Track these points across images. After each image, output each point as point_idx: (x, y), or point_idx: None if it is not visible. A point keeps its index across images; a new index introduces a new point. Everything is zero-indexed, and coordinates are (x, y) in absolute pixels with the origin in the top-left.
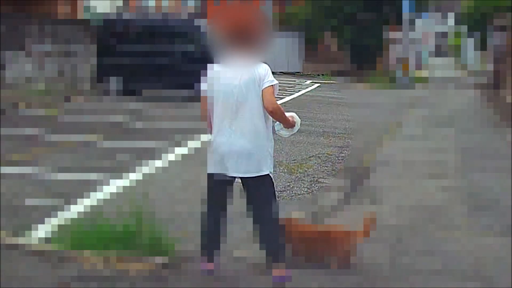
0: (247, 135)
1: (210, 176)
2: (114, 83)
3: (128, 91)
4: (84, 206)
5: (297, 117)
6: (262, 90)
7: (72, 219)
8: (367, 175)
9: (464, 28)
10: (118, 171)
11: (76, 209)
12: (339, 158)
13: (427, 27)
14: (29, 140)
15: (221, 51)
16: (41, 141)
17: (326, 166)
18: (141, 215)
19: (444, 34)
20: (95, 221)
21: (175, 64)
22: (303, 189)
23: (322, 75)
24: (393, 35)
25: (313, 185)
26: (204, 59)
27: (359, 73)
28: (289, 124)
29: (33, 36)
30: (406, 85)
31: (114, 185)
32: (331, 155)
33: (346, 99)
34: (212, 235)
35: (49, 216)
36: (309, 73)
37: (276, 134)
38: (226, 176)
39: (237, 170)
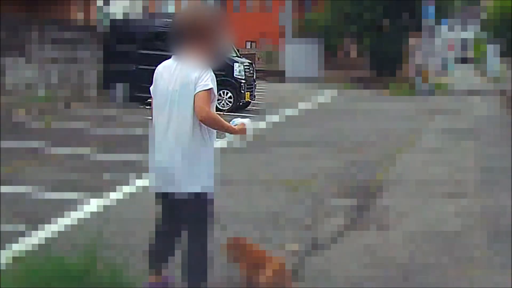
0: (178, 146)
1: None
2: (120, 89)
3: (134, 98)
4: (52, 231)
5: (250, 124)
6: (194, 96)
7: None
8: (377, 195)
9: (486, 35)
10: (99, 189)
11: (41, 235)
12: (349, 174)
13: (450, 34)
14: (17, 152)
15: (175, 47)
16: (30, 153)
17: (333, 184)
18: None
19: (466, 41)
20: (52, 253)
21: None
22: (303, 211)
23: (341, 82)
24: (414, 41)
25: (315, 206)
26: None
27: (379, 80)
28: (233, 132)
29: (35, 41)
30: (427, 92)
31: (94, 205)
32: (340, 170)
33: (364, 108)
34: (161, 254)
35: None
36: (328, 81)
37: None
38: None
39: (166, 185)
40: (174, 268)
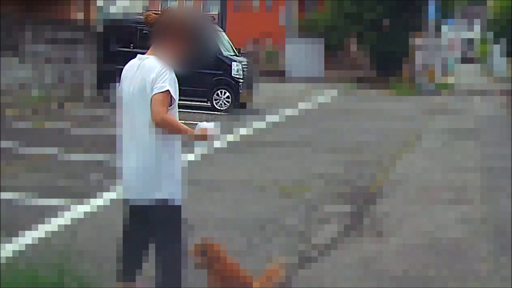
0: (140, 151)
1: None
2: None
3: None
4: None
5: (213, 127)
6: (150, 98)
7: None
8: (374, 200)
9: (490, 35)
10: (81, 195)
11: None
12: (346, 178)
13: (453, 34)
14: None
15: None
16: (14, 155)
17: (330, 189)
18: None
19: (470, 41)
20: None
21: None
22: (297, 218)
23: (342, 82)
24: (418, 41)
25: (310, 213)
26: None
27: (381, 80)
28: (193, 137)
29: (32, 40)
30: (431, 92)
31: (75, 211)
32: (337, 174)
33: (365, 108)
34: (128, 266)
35: None
36: (329, 81)
37: None
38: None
39: (129, 194)
40: (142, 280)
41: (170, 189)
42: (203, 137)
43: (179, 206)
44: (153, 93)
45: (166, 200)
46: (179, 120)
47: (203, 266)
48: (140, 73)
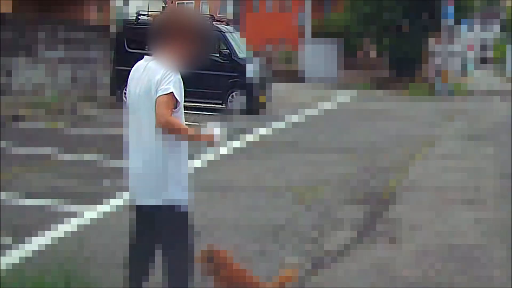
0: (146, 153)
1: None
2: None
3: None
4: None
5: (218, 131)
6: (155, 100)
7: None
8: (388, 204)
9: (506, 35)
10: (90, 200)
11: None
12: (360, 181)
13: (471, 34)
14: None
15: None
16: (27, 159)
17: (343, 192)
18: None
19: (486, 41)
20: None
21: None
22: (309, 223)
23: (360, 83)
24: (433, 42)
25: (323, 217)
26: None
27: (398, 81)
28: (197, 139)
29: (45, 40)
30: (446, 93)
31: (87, 217)
32: (351, 177)
33: (382, 108)
34: (135, 273)
35: None
36: (346, 82)
37: None
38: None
39: (136, 195)
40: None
41: (176, 189)
42: (209, 140)
43: (186, 206)
44: (158, 95)
45: (172, 200)
46: (193, 122)
47: (210, 272)
48: (146, 75)
